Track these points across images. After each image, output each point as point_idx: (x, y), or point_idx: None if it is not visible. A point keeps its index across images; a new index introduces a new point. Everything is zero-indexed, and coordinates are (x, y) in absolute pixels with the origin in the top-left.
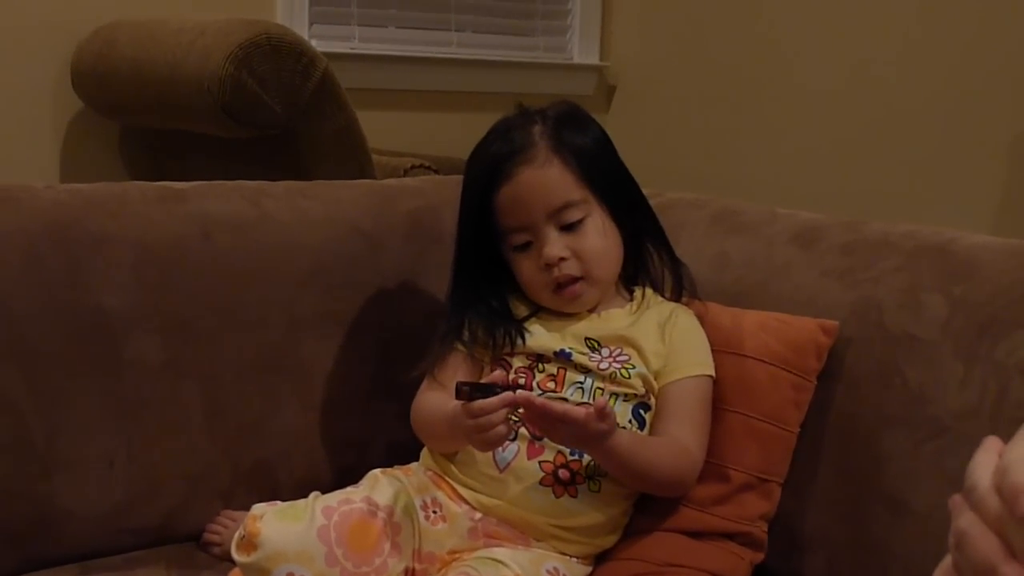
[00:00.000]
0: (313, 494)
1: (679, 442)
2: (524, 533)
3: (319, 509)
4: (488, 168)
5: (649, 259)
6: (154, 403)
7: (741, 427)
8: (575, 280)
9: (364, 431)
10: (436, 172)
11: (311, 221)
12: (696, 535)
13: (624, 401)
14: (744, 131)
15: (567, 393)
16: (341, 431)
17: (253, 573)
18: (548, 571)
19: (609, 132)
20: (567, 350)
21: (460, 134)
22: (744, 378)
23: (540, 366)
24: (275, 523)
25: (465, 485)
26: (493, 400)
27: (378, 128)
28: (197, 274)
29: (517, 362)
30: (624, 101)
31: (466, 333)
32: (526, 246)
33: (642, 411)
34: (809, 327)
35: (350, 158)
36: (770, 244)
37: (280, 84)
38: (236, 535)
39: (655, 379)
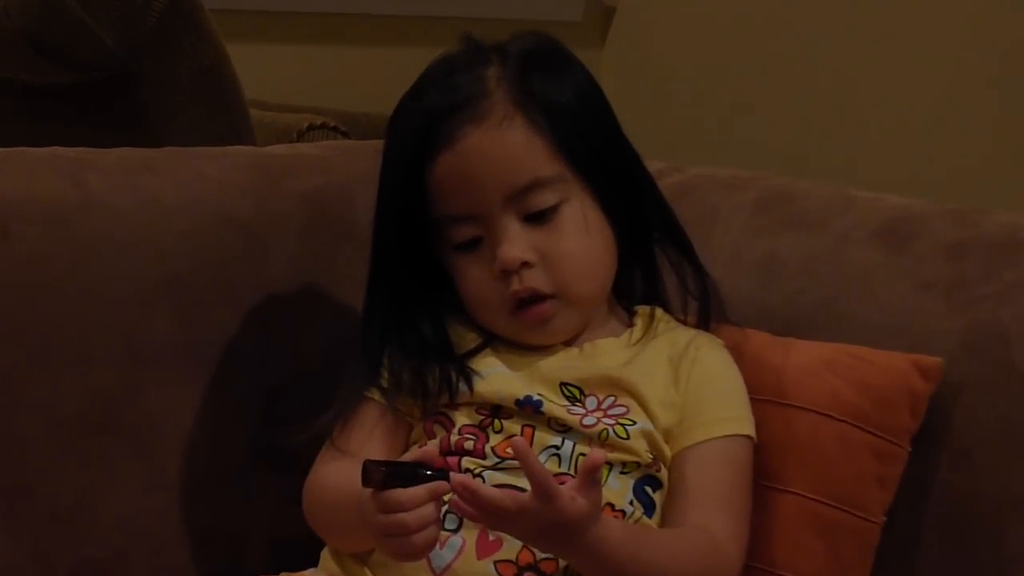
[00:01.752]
0: None
1: (705, 535)
2: None
3: None
4: (420, 129)
5: (657, 266)
6: None
7: (798, 514)
8: (543, 298)
9: (238, 520)
10: (347, 136)
11: (160, 208)
12: None
13: (622, 473)
14: (801, 78)
15: None
16: (204, 520)
17: None
18: None
19: (603, 78)
20: (535, 398)
21: (383, 80)
22: (800, 441)
23: (496, 423)
24: None
25: None
26: (418, 491)
27: (260, 71)
28: None
29: (462, 418)
30: (626, 33)
31: (385, 375)
32: (473, 244)
33: (649, 488)
34: (900, 366)
35: (217, 114)
36: (842, 243)
37: (114, 5)
38: None
39: (666, 441)
